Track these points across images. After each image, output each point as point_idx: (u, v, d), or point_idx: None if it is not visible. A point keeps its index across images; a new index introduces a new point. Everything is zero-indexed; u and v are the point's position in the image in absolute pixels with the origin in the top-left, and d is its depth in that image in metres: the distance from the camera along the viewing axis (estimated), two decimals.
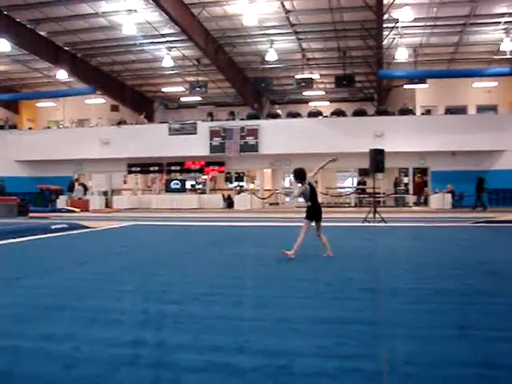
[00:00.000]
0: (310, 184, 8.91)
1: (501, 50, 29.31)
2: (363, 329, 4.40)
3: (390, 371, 3.43)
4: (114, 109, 37.99)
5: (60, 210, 27.27)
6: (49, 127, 36.30)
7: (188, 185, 32.74)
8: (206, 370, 3.54)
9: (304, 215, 9.11)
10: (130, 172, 33.27)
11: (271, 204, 32.76)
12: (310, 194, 8.94)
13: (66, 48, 30.41)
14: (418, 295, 5.68)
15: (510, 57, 29.74)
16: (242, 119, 32.06)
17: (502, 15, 26.05)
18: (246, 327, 4.52)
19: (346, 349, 3.88)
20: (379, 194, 30.52)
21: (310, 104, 37.23)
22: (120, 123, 32.79)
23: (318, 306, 5.27)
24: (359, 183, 33.06)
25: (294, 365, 3.58)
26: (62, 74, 31.82)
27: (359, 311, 5.00)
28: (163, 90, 37.77)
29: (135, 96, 37.64)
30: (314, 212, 8.99)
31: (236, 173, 34.51)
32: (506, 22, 26.79)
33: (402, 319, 4.71)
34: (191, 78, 33.51)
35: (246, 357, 3.77)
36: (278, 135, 29.77)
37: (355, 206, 30.49)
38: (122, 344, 4.06)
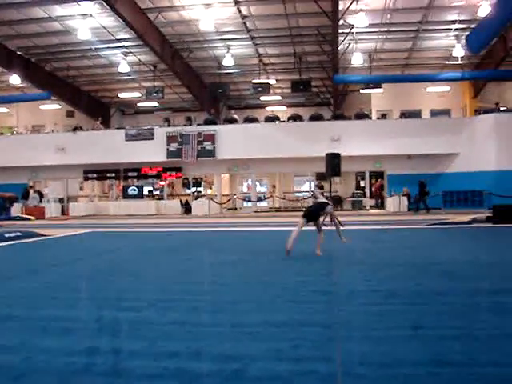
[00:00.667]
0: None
1: (453, 55, 29.94)
2: (318, 331, 4.42)
3: (344, 373, 3.46)
4: (70, 115, 37.38)
5: (14, 218, 26.72)
6: (1, 133, 35.54)
7: (145, 191, 32.48)
8: (161, 376, 3.51)
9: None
10: (86, 178, 32.79)
11: (229, 209, 32.73)
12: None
13: (19, 52, 29.79)
14: (373, 297, 5.74)
15: (461, 62, 30.40)
16: (199, 124, 31.96)
17: (453, 22, 26.61)
18: (201, 333, 4.50)
19: (300, 351, 3.89)
20: (336, 197, 30.82)
21: (266, 109, 37.37)
22: (76, 129, 32.28)
23: (273, 309, 5.28)
24: (316, 187, 33.32)
25: (249, 369, 3.58)
26: (15, 79, 31.24)
27: (314, 314, 5.03)
28: (120, 95, 37.40)
29: (91, 102, 37.18)
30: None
31: (193, 178, 34.39)
32: (456, 29, 27.38)
33: (356, 321, 4.76)
34: (148, 84, 33.24)
35: (202, 362, 3.76)
36: (235, 140, 29.77)
37: None
38: (75, 353, 3.99)
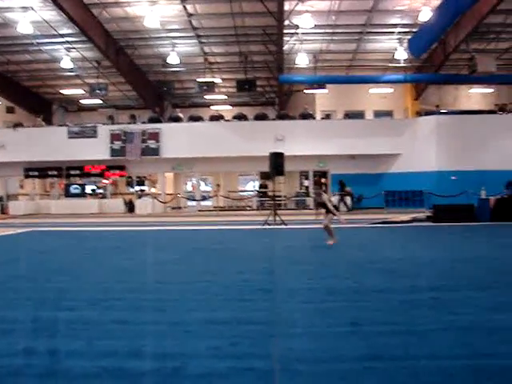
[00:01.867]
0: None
1: (395, 58, 30.50)
2: (258, 329, 4.44)
3: (282, 369, 3.49)
4: (10, 111, 36.41)
5: None
6: None
7: (88, 189, 31.88)
8: (99, 376, 3.47)
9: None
10: (27, 176, 31.98)
11: (173, 208, 32.52)
12: None
13: None
14: (314, 295, 5.80)
15: (403, 65, 30.99)
16: (143, 122, 31.62)
17: (396, 26, 27.11)
18: (142, 331, 4.46)
19: (239, 349, 3.91)
20: (280, 197, 30.98)
21: (211, 108, 37.28)
22: (16, 126, 31.44)
23: (214, 307, 5.28)
24: (261, 186, 33.39)
25: (188, 366, 3.57)
26: None
27: (255, 311, 5.05)
28: (62, 91, 36.60)
29: (32, 98, 36.28)
30: None
31: (137, 177, 33.97)
32: (399, 33, 27.91)
33: (296, 318, 4.80)
34: (91, 80, 32.67)
35: (141, 361, 3.73)
36: (179, 139, 29.60)
37: (257, 209, 30.78)
38: (10, 354, 3.90)
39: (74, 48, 29.04)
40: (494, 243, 11.24)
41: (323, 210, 11.33)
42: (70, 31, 26.66)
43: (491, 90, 35.21)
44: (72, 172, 31.53)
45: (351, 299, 5.56)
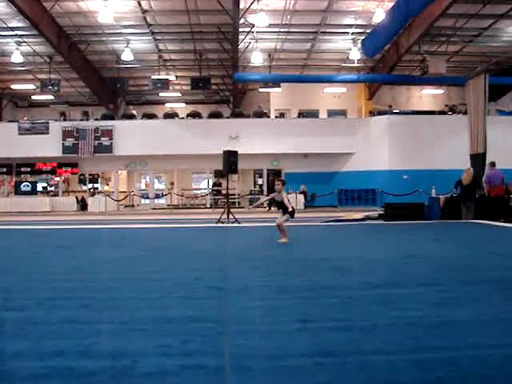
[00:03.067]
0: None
1: (349, 58, 30.87)
2: (209, 326, 4.45)
3: (232, 366, 3.51)
4: None
5: None
6: None
7: (39, 187, 31.39)
8: (46, 376, 3.41)
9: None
10: None
11: (126, 206, 32.26)
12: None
13: None
14: (265, 292, 5.84)
15: (357, 65, 31.42)
16: (96, 119, 31.32)
17: (350, 26, 27.47)
18: (91, 330, 4.41)
19: (190, 346, 3.91)
20: (234, 195, 31.04)
21: (166, 105, 37.13)
22: None
23: (165, 305, 5.26)
24: (214, 184, 33.39)
25: (138, 365, 3.56)
26: None
27: (207, 309, 5.06)
28: (12, 86, 35.88)
29: None
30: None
31: (90, 174, 33.59)
32: (353, 33, 28.29)
33: (247, 316, 4.83)
34: (43, 76, 32.11)
35: (90, 360, 3.69)
36: (133, 136, 29.41)
37: (210, 207, 30.78)
38: None
39: (25, 42, 28.49)
40: (441, 241, 11.49)
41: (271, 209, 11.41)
42: (20, 24, 26.13)
43: (442, 91, 36.04)
44: (22, 169, 30.99)
45: (302, 296, 5.61)
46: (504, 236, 12.89)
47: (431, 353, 3.77)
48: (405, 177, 28.50)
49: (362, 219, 18.57)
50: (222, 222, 17.31)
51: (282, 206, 11.08)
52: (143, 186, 36.14)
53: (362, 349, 3.84)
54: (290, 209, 10.85)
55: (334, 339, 4.06)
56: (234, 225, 16.84)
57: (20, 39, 28.22)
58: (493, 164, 17.48)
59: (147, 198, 33.12)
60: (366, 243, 11.27)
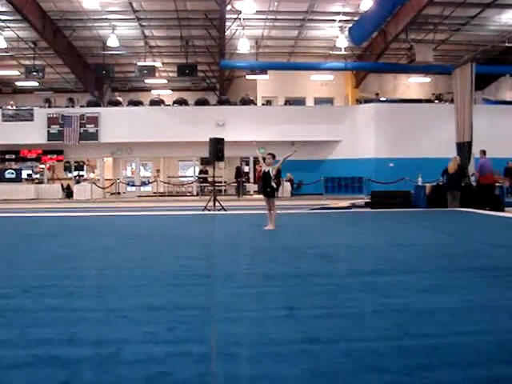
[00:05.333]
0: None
1: (336, 45, 30.80)
2: (195, 314, 4.47)
3: (218, 352, 3.53)
4: None
5: None
6: None
7: (24, 174, 31.14)
8: (32, 364, 3.41)
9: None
10: None
11: (112, 194, 32.13)
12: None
13: None
14: (251, 280, 5.87)
15: (344, 53, 31.34)
16: (81, 106, 31.08)
17: (338, 13, 27.37)
18: (76, 318, 4.41)
19: (176, 334, 3.93)
20: (220, 182, 31.03)
21: (152, 92, 36.88)
22: None
23: (151, 293, 5.27)
24: (201, 172, 33.31)
25: (123, 352, 3.56)
26: None
27: (193, 297, 5.08)
28: None
29: None
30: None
31: (75, 162, 33.39)
32: (340, 21, 28.19)
33: (233, 303, 4.85)
34: (27, 62, 31.70)
35: (76, 348, 3.69)
36: (119, 123, 29.23)
37: (197, 195, 30.74)
38: None
39: (9, 27, 28.11)
40: (427, 229, 11.57)
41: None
42: (3, 9, 25.74)
43: (428, 80, 36.06)
44: (7, 156, 30.73)
45: (288, 284, 5.65)
46: (489, 224, 12.99)
47: (415, 339, 3.81)
48: (390, 165, 28.58)
49: (349, 207, 18.65)
50: (209, 210, 17.29)
51: (266, 183, 11.27)
52: (129, 174, 36.02)
53: (348, 336, 3.88)
54: (273, 184, 11.24)
55: (320, 326, 4.09)
56: (220, 212, 16.85)
57: (3, 24, 27.80)
58: (484, 152, 17.54)
59: (133, 185, 33.02)
60: (353, 231, 11.32)
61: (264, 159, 11.57)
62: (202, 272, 6.30)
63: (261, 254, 7.68)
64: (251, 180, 32.40)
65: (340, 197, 26.53)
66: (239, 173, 29.54)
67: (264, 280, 5.84)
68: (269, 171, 11.22)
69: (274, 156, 11.50)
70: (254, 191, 31.21)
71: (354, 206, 19.02)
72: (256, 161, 31.89)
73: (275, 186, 11.53)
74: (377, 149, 29.42)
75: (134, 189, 32.96)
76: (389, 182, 25.21)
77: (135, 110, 30.42)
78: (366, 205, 18.59)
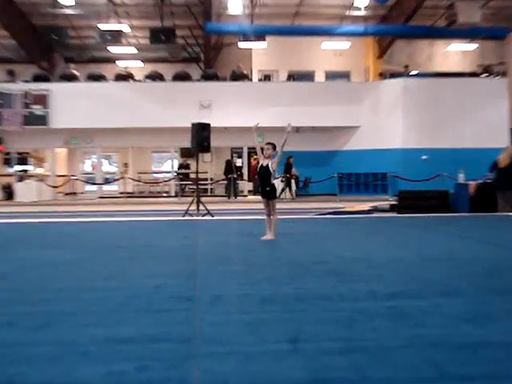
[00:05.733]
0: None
1: (354, 4, 30.80)
2: (173, 347, 4.46)
3: None
4: None
5: None
6: None
7: None
8: None
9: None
10: None
11: (67, 194, 32.11)
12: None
13: None
14: (245, 303, 5.87)
15: (364, 14, 31.37)
16: (25, 81, 31.02)
17: None
18: (19, 355, 4.39)
19: (149, 374, 3.91)
20: (206, 180, 31.04)
21: (118, 64, 36.88)
22: None
23: (117, 321, 5.26)
24: (181, 167, 33.29)
25: None
26: None
27: (170, 326, 5.07)
28: None
29: None
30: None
31: (18, 153, 33.33)
32: None
33: (222, 333, 4.84)
34: None
35: None
36: (74, 104, 29.22)
37: (176, 196, 30.73)
38: None
39: None
40: (471, 239, 11.57)
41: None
42: None
43: (474, 47, 35.92)
44: None
45: (291, 309, 5.65)
46: None
47: (457, 383, 3.80)
48: (423, 157, 28.63)
49: (369, 211, 18.67)
50: (191, 215, 17.31)
51: (264, 180, 11.30)
52: (88, 169, 36.00)
53: (367, 376, 3.86)
54: (273, 182, 11.33)
55: (332, 364, 4.09)
56: (205, 218, 16.85)
57: None
58: None
59: (93, 183, 33.00)
60: (374, 241, 11.34)
61: (262, 150, 11.53)
62: (182, 294, 6.30)
63: (257, 271, 7.69)
64: (245, 177, 32.40)
65: (358, 198, 26.56)
66: (230, 168, 29.57)
67: (261, 304, 5.84)
68: (268, 165, 11.22)
69: (274, 146, 11.54)
70: (249, 191, 31.24)
71: (375, 209, 19.05)
72: (252, 152, 31.90)
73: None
74: (405, 137, 29.46)
75: (94, 188, 32.95)
76: (421, 179, 25.24)
77: (96, 87, 30.40)
78: (392, 208, 18.63)
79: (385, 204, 19.95)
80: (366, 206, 19.62)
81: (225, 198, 28.71)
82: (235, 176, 30.08)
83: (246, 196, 30.51)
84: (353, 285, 6.85)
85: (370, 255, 9.10)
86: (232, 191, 29.22)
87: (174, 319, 5.29)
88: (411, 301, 5.95)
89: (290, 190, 28.29)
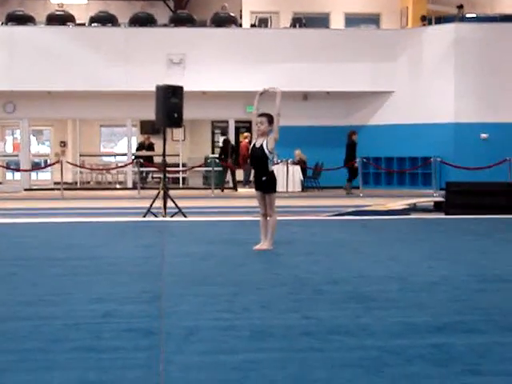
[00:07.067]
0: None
1: None
2: None
3: None
4: None
5: None
6: None
7: None
8: None
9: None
10: None
11: None
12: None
13: None
14: (229, 339, 5.85)
15: None
16: None
17: None
18: None
19: None
20: (176, 165, 31.00)
21: (51, 0, 36.79)
22: None
23: (44, 366, 5.19)
24: (141, 147, 33.24)
25: None
26: None
27: (122, 371, 5.04)
28: None
29: None
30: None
31: None
32: None
33: (196, 382, 4.83)
34: None
35: None
36: None
37: (134, 188, 30.70)
38: None
39: None
40: None
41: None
42: None
43: None
44: None
45: (295, 347, 5.63)
46: None
47: None
48: (483, 136, 28.65)
49: (406, 211, 18.68)
50: (155, 215, 17.31)
51: (259, 166, 11.31)
52: (9, 149, 35.95)
53: None
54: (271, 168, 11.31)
55: None
56: (175, 219, 16.87)
57: None
58: None
59: (17, 170, 32.95)
60: (411, 254, 11.36)
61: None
62: (142, 325, 6.29)
63: (247, 294, 7.69)
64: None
65: (389, 192, 26.60)
66: (226, 150, 29.54)
67: (252, 340, 5.83)
68: (262, 146, 11.16)
69: (270, 118, 11.35)
70: (239, 181, 31.26)
71: (414, 208, 19.08)
72: (241, 127, 31.92)
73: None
74: (458, 107, 29.48)
75: (18, 176, 32.91)
76: (479, 166, 25.26)
77: (20, 33, 30.31)
78: (437, 207, 18.66)
79: (427, 201, 19.99)
80: (400, 204, 19.62)
81: (203, 192, 28.76)
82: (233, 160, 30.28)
83: (232, 189, 30.50)
84: (382, 314, 6.85)
85: (406, 273, 9.12)
86: (232, 181, 29.52)
87: (128, 362, 5.26)
88: (464, 337, 5.95)
89: (350, 180, 28.22)
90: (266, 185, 11.17)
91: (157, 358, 5.41)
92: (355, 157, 28.20)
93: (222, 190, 29.16)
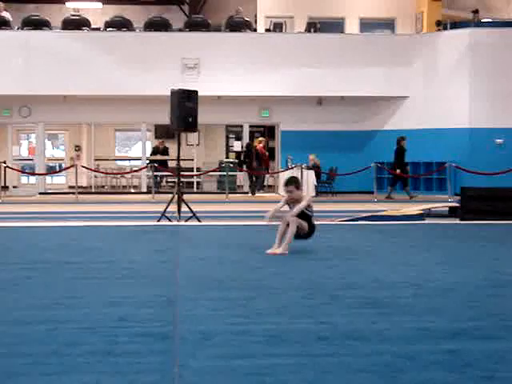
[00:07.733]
0: None
1: None
2: None
3: None
4: None
5: None
6: None
7: None
8: None
9: None
10: None
11: None
12: None
13: None
14: (244, 344, 5.84)
15: None
16: None
17: None
18: None
19: None
20: (191, 169, 31.02)
21: (66, 5, 36.87)
22: None
23: (64, 368, 5.21)
24: (156, 151, 33.30)
25: None
26: None
27: (137, 375, 5.03)
28: None
29: None
30: None
31: None
32: None
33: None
34: None
35: None
36: (6, 61, 29.21)
37: (148, 192, 30.74)
38: None
39: None
40: None
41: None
42: None
43: None
44: None
45: (310, 352, 5.61)
46: None
47: None
48: (498, 141, 28.60)
49: (420, 216, 18.65)
50: (169, 219, 17.32)
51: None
52: (25, 153, 36.00)
53: None
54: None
55: None
56: (189, 223, 16.86)
57: None
58: None
59: (32, 174, 33.00)
60: (426, 259, 11.34)
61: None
62: (156, 330, 6.28)
63: (262, 299, 7.68)
64: (244, 167, 32.41)
65: (404, 197, 26.54)
66: (250, 154, 29.53)
67: (267, 345, 5.82)
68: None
69: (297, 184, 11.57)
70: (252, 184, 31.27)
71: (429, 214, 19.04)
72: (255, 132, 31.92)
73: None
74: (473, 112, 29.45)
75: (34, 180, 32.96)
76: (494, 171, 25.21)
77: (36, 38, 30.37)
78: (452, 212, 18.64)
79: (442, 207, 19.94)
80: (415, 210, 19.59)
81: (218, 197, 28.76)
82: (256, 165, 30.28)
83: (247, 193, 30.51)
84: (397, 319, 6.83)
85: (421, 278, 9.09)
86: (260, 184, 29.58)
87: (143, 366, 5.25)
88: (479, 343, 5.92)
89: (406, 185, 28.30)
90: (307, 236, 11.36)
91: (172, 362, 5.40)
92: (404, 163, 28.26)
93: (253, 194, 29.22)
